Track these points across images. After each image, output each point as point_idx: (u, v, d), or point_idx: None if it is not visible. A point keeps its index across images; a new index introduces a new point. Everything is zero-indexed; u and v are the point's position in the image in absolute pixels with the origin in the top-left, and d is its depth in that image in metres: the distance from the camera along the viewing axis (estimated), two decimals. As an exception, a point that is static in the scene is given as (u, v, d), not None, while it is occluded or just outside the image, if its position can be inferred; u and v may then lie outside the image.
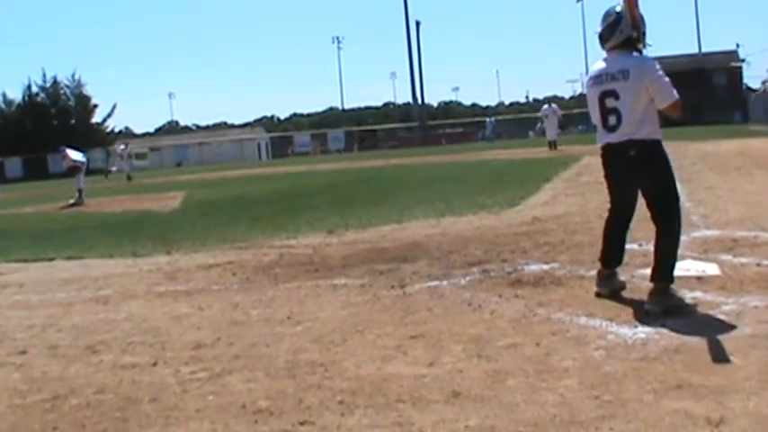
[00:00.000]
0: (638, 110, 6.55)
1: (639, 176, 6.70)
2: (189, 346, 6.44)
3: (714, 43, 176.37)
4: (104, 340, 6.88)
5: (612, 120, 6.70)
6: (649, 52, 6.82)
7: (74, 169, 27.94)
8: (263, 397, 5.11)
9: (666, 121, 6.72)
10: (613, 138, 6.72)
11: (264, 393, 5.17)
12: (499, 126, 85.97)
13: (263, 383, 5.39)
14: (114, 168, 50.36)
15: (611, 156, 6.85)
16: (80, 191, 26.83)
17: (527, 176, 20.78)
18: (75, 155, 28.02)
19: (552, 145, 39.01)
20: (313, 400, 4.96)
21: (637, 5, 6.58)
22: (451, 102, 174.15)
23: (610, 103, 6.71)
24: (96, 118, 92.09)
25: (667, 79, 6.58)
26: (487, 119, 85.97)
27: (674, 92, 6.57)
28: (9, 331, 7.54)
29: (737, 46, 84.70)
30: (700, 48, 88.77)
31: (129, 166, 51.70)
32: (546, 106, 42.82)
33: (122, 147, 53.77)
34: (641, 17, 6.69)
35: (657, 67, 6.63)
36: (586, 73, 7.19)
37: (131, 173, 49.34)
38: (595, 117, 6.90)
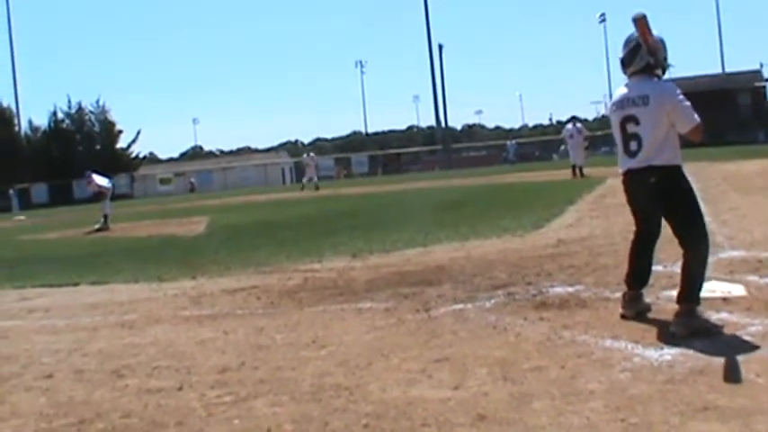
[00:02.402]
0: (659, 135, 6.55)
1: (661, 203, 6.68)
2: (214, 371, 6.46)
3: (738, 63, 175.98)
4: (130, 365, 6.90)
5: (634, 145, 6.70)
6: (672, 72, 6.82)
7: (100, 194, 28.08)
8: (288, 421, 5.11)
9: (688, 141, 6.71)
10: (633, 163, 6.73)
11: (290, 417, 5.18)
12: (522, 148, 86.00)
13: (289, 407, 5.40)
14: (306, 179, 50.11)
15: (632, 181, 6.85)
16: (106, 216, 26.94)
17: (551, 199, 20.72)
18: (100, 180, 28.13)
19: (577, 170, 33.20)
20: (338, 424, 4.96)
21: (650, 33, 6.58)
22: (475, 125, 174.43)
23: (631, 128, 6.71)
24: (121, 143, 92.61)
25: (688, 103, 6.56)
26: (508, 142, 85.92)
27: (696, 116, 6.55)
28: (35, 355, 7.58)
29: (761, 65, 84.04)
30: (723, 67, 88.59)
31: (313, 175, 51.53)
32: (570, 125, 36.90)
33: (305, 156, 53.62)
34: (661, 41, 6.70)
35: (678, 91, 6.61)
36: (610, 94, 7.23)
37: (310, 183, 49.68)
38: (618, 142, 6.91)
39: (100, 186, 27.99)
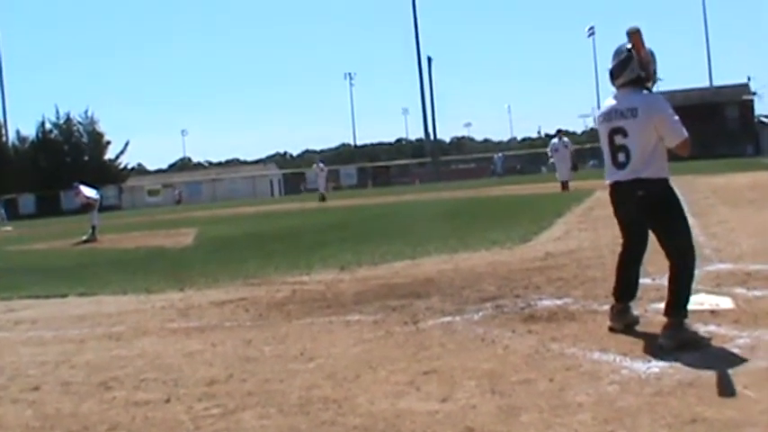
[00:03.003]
0: (647, 148, 6.56)
1: (648, 216, 6.69)
2: (202, 383, 6.44)
3: (726, 76, 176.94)
4: (117, 377, 6.88)
5: (621, 157, 6.70)
6: (661, 86, 6.82)
7: (87, 206, 27.99)
8: (276, 433, 5.10)
9: (676, 154, 6.71)
10: (621, 176, 6.73)
11: (278, 430, 5.17)
12: (510, 161, 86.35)
13: (277, 420, 5.38)
14: (323, 189, 49.48)
15: (619, 194, 6.85)
16: (93, 227, 26.85)
17: (540, 212, 20.74)
18: (88, 191, 28.03)
19: (565, 185, 32.99)
20: (326, 437, 4.95)
21: (643, 45, 6.59)
22: (464, 137, 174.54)
23: (619, 140, 6.71)
24: (109, 155, 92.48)
25: (676, 117, 6.57)
26: (495, 155, 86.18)
27: (684, 130, 6.57)
28: (22, 367, 7.55)
29: (749, 79, 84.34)
30: (711, 81, 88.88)
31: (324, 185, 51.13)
32: (555, 140, 35.66)
33: (316, 165, 53.31)
34: (651, 53, 6.70)
35: (667, 105, 6.63)
36: (598, 108, 7.21)
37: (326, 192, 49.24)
38: (605, 154, 6.92)
39: (88, 198, 27.88)
